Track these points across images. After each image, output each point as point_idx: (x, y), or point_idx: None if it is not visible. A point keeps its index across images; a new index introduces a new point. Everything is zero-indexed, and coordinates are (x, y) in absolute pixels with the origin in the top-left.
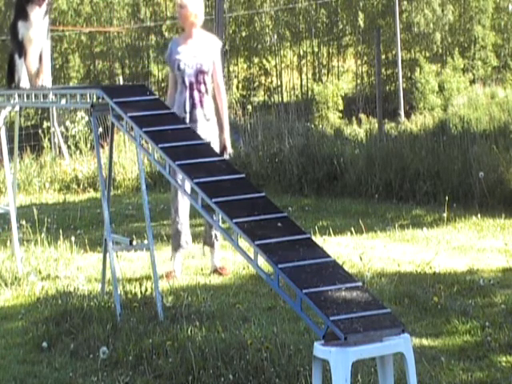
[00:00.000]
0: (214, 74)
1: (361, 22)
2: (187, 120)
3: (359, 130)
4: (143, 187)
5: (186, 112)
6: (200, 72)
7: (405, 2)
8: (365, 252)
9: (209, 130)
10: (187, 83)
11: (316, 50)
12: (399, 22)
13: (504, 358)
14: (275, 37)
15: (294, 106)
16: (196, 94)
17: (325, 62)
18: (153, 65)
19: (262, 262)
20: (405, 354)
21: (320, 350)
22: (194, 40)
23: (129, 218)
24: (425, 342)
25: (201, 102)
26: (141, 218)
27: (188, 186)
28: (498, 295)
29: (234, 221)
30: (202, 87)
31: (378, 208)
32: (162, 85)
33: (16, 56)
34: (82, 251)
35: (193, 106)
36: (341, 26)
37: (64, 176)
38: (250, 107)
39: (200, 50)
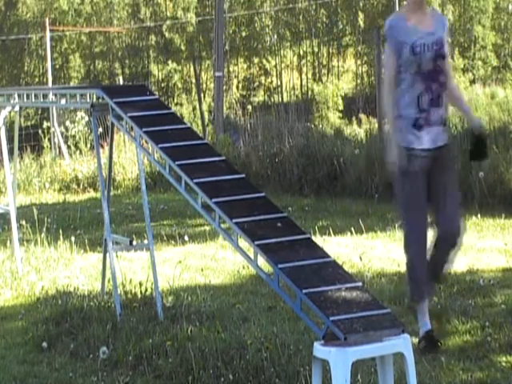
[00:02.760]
0: None
1: (361, 22)
2: (422, 122)
3: (359, 130)
4: (143, 187)
5: (421, 111)
6: (439, 56)
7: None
8: (365, 252)
9: (443, 136)
10: (425, 71)
11: (316, 49)
12: None
13: (504, 358)
14: (275, 37)
15: (294, 106)
16: (435, 86)
17: (325, 62)
18: (153, 65)
19: (262, 262)
20: (405, 354)
21: (320, 350)
22: (426, 16)
23: (129, 218)
24: None
25: (440, 97)
26: (141, 218)
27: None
28: (498, 295)
29: (234, 221)
30: (441, 77)
31: (377, 208)
32: (162, 85)
33: None
34: (81, 251)
35: (431, 103)
36: (341, 26)
37: (64, 176)
38: (250, 107)
39: (435, 28)
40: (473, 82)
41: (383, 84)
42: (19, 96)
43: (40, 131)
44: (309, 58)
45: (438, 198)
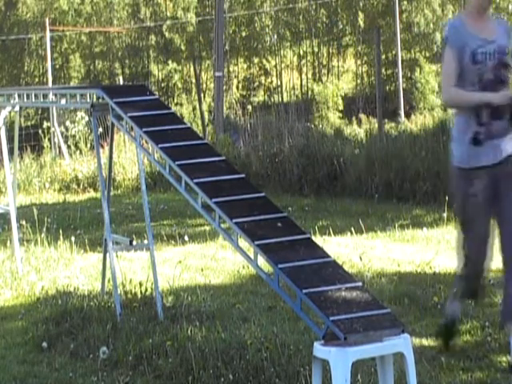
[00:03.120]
0: None
1: (361, 22)
2: (482, 136)
3: (359, 129)
4: (143, 187)
5: (481, 124)
6: (502, 66)
7: (405, 2)
8: (365, 252)
9: (509, 148)
10: (485, 81)
11: (316, 49)
12: (399, 21)
13: (504, 358)
14: (275, 37)
15: (293, 106)
16: None
17: (325, 62)
18: (153, 65)
19: (262, 262)
20: (405, 354)
21: (320, 349)
22: (488, 22)
23: (129, 218)
24: (425, 342)
25: (502, 109)
26: (141, 218)
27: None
28: (497, 295)
29: (234, 221)
30: (503, 87)
31: (377, 208)
32: (162, 85)
33: None
34: (82, 251)
35: (492, 115)
36: (341, 26)
37: (64, 176)
38: (250, 107)
39: (497, 35)
40: None
41: (444, 84)
42: (19, 96)
43: (40, 131)
44: (309, 58)
45: (503, 218)
